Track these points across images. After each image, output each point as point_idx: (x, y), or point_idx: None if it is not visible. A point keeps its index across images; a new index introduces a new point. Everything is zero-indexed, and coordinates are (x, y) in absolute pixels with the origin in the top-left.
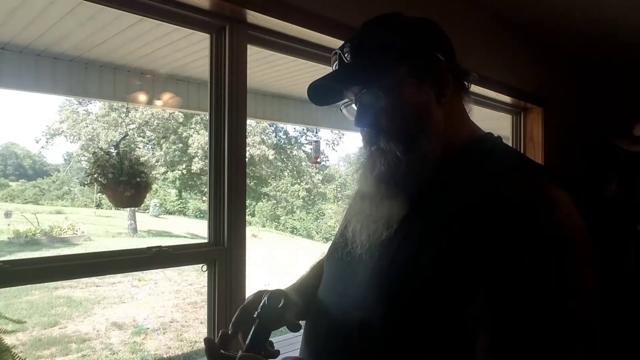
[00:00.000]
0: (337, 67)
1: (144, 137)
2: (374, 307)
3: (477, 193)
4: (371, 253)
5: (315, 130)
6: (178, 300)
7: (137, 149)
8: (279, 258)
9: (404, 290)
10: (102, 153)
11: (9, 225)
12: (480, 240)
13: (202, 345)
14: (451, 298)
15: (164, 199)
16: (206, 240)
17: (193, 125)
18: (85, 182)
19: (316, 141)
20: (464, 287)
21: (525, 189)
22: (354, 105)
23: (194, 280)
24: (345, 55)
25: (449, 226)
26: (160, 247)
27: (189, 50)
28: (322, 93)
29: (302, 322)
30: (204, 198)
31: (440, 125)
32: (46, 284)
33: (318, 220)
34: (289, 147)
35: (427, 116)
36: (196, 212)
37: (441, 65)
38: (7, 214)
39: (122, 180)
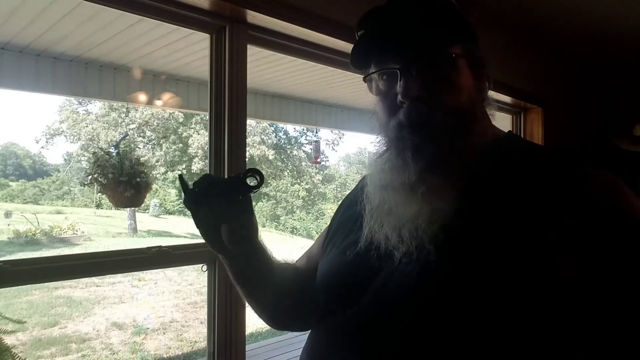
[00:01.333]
0: (386, 28)
1: (144, 137)
2: (428, 322)
3: (547, 190)
4: (418, 256)
5: (315, 130)
6: (178, 300)
7: (137, 149)
8: (279, 258)
9: (479, 304)
10: (102, 153)
11: (9, 225)
12: (580, 242)
13: (202, 345)
14: (549, 306)
15: (164, 199)
16: None
17: (193, 125)
18: (85, 182)
19: (316, 141)
20: (569, 289)
21: (602, 182)
22: (380, 82)
23: (194, 280)
24: (404, 16)
25: (527, 226)
26: (160, 247)
27: (189, 50)
28: (358, 55)
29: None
30: None
31: (479, 117)
32: (46, 284)
33: (318, 220)
34: (289, 147)
35: (476, 102)
36: None
37: (485, 62)
38: (7, 214)
39: (122, 180)
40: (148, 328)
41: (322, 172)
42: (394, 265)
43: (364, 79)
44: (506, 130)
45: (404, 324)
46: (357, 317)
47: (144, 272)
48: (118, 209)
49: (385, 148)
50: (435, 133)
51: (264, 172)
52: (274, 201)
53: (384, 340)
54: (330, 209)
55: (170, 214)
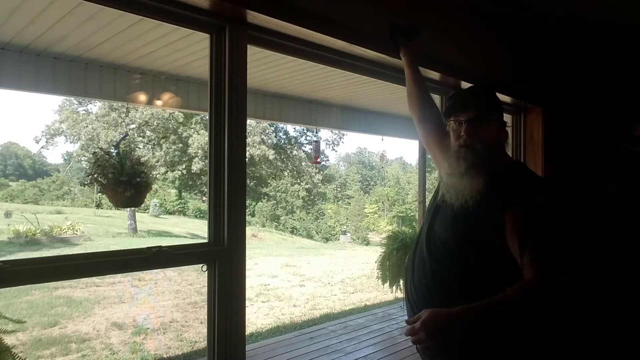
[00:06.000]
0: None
1: (144, 137)
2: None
3: (510, 192)
4: (456, 206)
5: (315, 130)
6: (178, 300)
7: (137, 149)
8: (279, 258)
9: (471, 237)
10: (102, 153)
11: (9, 225)
12: (515, 211)
13: (202, 345)
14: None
15: (164, 199)
16: (206, 240)
17: (193, 125)
18: (85, 182)
19: (316, 141)
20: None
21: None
22: (454, 124)
23: (194, 280)
24: (472, 97)
25: (499, 205)
26: (160, 247)
27: (189, 50)
28: (446, 111)
29: None
30: (204, 198)
31: (499, 150)
32: (46, 284)
33: (318, 220)
34: (289, 147)
35: (498, 144)
36: (196, 212)
37: (506, 126)
38: (7, 214)
39: (122, 180)
40: (148, 328)
41: (322, 172)
42: (445, 208)
43: (446, 121)
44: (514, 159)
45: (435, 242)
46: (425, 235)
47: (144, 272)
48: (118, 209)
49: (453, 156)
50: (473, 151)
51: (264, 172)
52: (274, 201)
53: (429, 251)
54: (330, 209)
55: (170, 214)
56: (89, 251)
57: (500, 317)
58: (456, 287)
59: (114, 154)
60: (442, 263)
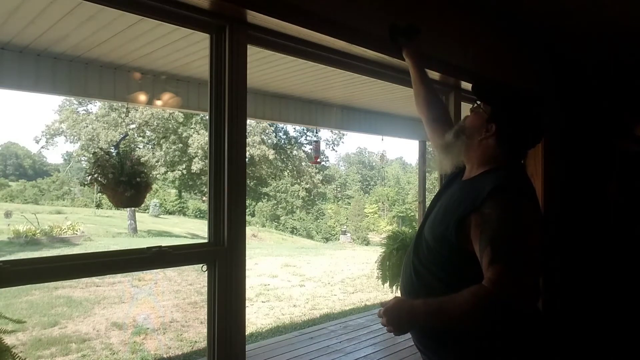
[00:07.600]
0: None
1: (144, 137)
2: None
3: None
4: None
5: (315, 130)
6: (178, 300)
7: (137, 149)
8: (279, 258)
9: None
10: (102, 153)
11: (9, 225)
12: (479, 216)
13: (202, 345)
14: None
15: (164, 199)
16: (206, 240)
17: (193, 125)
18: (85, 182)
19: (316, 141)
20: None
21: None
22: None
23: (194, 280)
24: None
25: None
26: (160, 247)
27: (189, 50)
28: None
29: None
30: (204, 198)
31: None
32: (46, 284)
33: (318, 220)
34: (289, 147)
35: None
36: (196, 212)
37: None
38: (7, 214)
39: (122, 180)
40: (148, 328)
41: (322, 172)
42: (435, 211)
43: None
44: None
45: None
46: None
47: (144, 272)
48: (118, 209)
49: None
50: (462, 128)
51: (264, 172)
52: (274, 201)
53: (416, 253)
54: (330, 209)
55: (170, 214)
56: (89, 251)
57: (451, 316)
58: (437, 289)
59: (114, 154)
60: (425, 264)
